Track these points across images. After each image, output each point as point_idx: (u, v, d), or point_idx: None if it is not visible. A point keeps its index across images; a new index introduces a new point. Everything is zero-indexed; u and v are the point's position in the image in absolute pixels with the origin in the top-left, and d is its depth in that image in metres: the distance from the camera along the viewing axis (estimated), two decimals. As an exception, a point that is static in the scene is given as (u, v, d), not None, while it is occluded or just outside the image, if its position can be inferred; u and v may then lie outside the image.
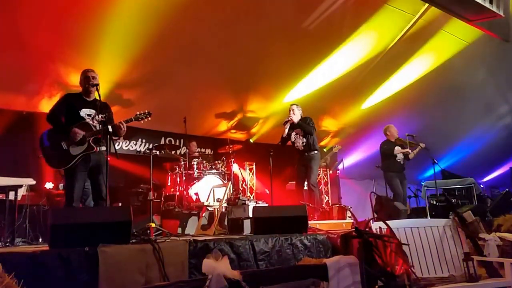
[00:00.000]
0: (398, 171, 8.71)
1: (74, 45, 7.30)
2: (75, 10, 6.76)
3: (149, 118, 5.60)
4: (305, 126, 7.66)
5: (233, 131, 11.46)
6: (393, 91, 11.05)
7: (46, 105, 5.59)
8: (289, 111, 7.78)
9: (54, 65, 7.64)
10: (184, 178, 8.23)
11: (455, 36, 9.45)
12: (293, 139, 7.77)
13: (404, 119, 11.07)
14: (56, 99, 5.44)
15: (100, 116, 5.32)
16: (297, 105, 7.89)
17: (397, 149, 8.68)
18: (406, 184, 8.86)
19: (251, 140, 11.63)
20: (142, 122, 5.60)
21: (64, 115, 5.30)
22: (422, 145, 8.75)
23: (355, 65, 9.82)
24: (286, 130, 7.70)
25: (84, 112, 5.32)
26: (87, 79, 5.36)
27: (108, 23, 7.13)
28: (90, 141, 5.21)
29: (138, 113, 5.58)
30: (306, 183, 7.84)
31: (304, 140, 7.72)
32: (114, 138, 5.40)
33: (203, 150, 10.91)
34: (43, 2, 6.59)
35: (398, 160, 8.70)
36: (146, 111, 5.58)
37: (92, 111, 5.36)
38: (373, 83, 10.74)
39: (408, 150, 8.66)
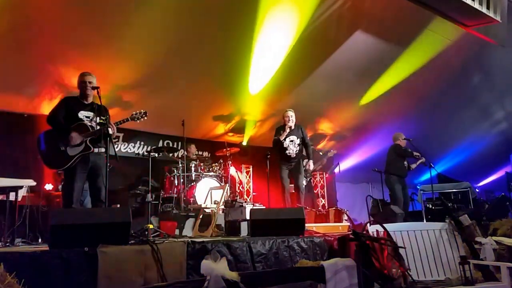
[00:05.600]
0: (403, 176, 8.80)
1: (74, 47, 7.31)
2: (76, 12, 6.79)
3: (145, 118, 5.62)
4: (308, 143, 7.97)
5: (230, 134, 11.48)
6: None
7: (47, 107, 5.61)
8: (287, 117, 7.80)
9: (55, 67, 7.65)
10: (182, 180, 8.27)
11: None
12: (286, 145, 7.77)
13: (401, 123, 11.12)
14: (57, 101, 5.48)
15: (98, 118, 5.36)
16: (292, 111, 7.93)
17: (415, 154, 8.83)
18: (408, 191, 8.96)
19: (244, 143, 11.65)
20: (138, 121, 5.63)
21: (64, 117, 5.35)
22: (423, 159, 8.91)
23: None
24: (284, 135, 7.73)
25: (82, 114, 5.37)
26: (84, 84, 5.43)
27: (108, 25, 7.16)
28: (87, 142, 5.25)
29: (134, 112, 5.61)
30: (293, 186, 8.02)
31: (298, 148, 7.79)
32: (113, 140, 5.43)
33: (200, 152, 10.93)
34: (44, 3, 6.61)
35: (405, 165, 8.81)
36: (142, 110, 5.61)
37: (90, 114, 5.41)
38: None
39: (418, 154, 8.78)
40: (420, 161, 8.97)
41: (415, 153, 8.81)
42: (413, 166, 9.06)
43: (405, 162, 8.91)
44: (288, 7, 8.08)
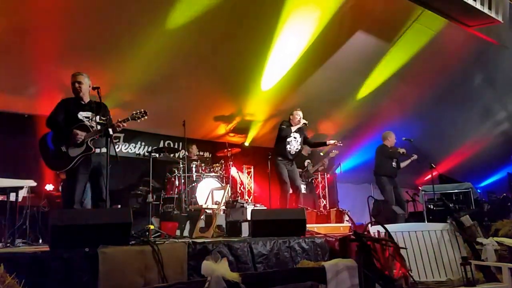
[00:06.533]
0: (392, 176, 8.76)
1: (76, 47, 7.31)
2: (77, 12, 6.78)
3: (146, 117, 5.58)
4: (310, 141, 8.12)
5: (231, 134, 11.47)
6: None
7: (47, 108, 5.59)
8: (299, 115, 7.78)
9: (55, 67, 7.64)
10: (182, 180, 8.26)
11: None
12: (289, 139, 7.75)
13: (402, 123, 11.09)
14: (57, 101, 5.46)
15: (98, 117, 5.35)
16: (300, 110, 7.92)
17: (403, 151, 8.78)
18: (401, 189, 8.90)
19: (246, 143, 11.64)
20: (138, 121, 5.58)
21: (63, 119, 5.33)
22: (415, 157, 8.84)
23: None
24: (296, 128, 7.74)
25: (81, 115, 5.36)
26: (73, 84, 5.44)
27: (110, 26, 7.16)
28: (89, 143, 5.24)
29: (134, 112, 5.57)
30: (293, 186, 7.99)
31: (299, 147, 7.81)
32: (114, 141, 5.41)
33: (201, 153, 10.92)
34: (45, 3, 6.61)
35: (394, 165, 8.76)
36: (142, 110, 5.57)
37: (88, 113, 5.40)
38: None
39: (404, 150, 8.73)
40: (412, 158, 8.92)
41: (401, 150, 8.73)
42: (403, 164, 8.99)
43: (394, 162, 8.84)
44: (309, 12, 8.12)
